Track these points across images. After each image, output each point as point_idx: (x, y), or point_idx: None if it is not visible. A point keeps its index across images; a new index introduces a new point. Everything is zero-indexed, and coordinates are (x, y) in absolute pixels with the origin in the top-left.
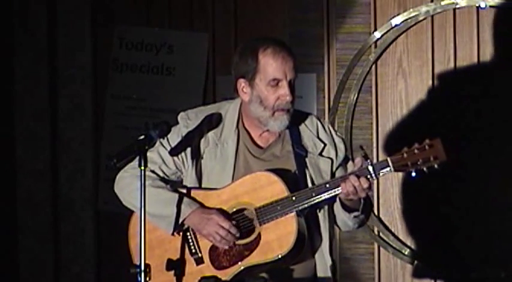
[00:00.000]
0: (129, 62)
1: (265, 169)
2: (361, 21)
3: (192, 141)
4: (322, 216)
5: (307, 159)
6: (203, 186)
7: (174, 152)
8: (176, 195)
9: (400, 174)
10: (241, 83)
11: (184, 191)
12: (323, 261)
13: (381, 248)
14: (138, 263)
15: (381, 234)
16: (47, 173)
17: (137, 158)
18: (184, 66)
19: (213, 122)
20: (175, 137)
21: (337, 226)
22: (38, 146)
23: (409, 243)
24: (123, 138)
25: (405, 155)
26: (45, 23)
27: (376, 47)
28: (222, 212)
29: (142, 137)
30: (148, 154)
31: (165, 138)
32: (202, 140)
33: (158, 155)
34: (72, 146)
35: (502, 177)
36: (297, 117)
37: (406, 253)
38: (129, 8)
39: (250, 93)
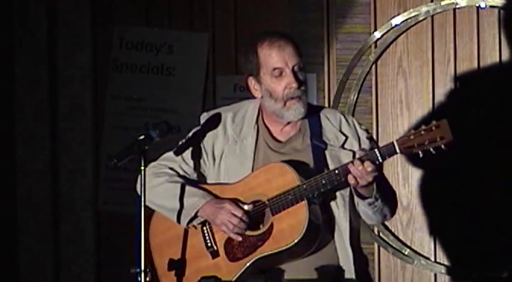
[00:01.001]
0: (129, 62)
1: (280, 160)
2: (361, 21)
3: (211, 140)
4: (342, 206)
5: (326, 152)
6: (223, 182)
7: (179, 151)
8: (192, 189)
9: (401, 174)
10: (251, 81)
11: (201, 186)
12: (345, 251)
13: (381, 248)
14: (158, 262)
15: (380, 234)
16: (47, 173)
17: (163, 155)
18: (184, 66)
19: (234, 119)
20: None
21: (363, 220)
22: (38, 146)
23: (409, 243)
24: (123, 138)
25: (412, 136)
26: (45, 23)
27: (376, 47)
28: (235, 201)
29: (142, 137)
30: (169, 153)
31: (187, 137)
32: (222, 138)
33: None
34: (72, 146)
35: (502, 177)
36: (320, 112)
37: (406, 253)
38: (129, 8)
39: (260, 89)
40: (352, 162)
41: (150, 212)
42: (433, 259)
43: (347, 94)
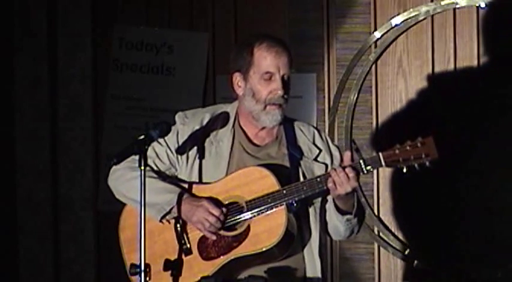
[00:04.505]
0: (129, 62)
1: (257, 164)
2: (361, 21)
3: (191, 140)
4: (313, 217)
5: (301, 162)
6: (196, 181)
7: (181, 150)
8: (168, 185)
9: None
10: (237, 77)
11: (176, 183)
12: (312, 261)
13: (381, 248)
14: (126, 257)
15: (380, 234)
16: (47, 173)
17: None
18: (184, 66)
19: (219, 121)
20: (170, 134)
21: (329, 235)
22: (38, 146)
23: (408, 243)
24: (123, 138)
25: (397, 151)
26: (45, 23)
27: (376, 47)
28: (212, 200)
29: (142, 137)
30: None
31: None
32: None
33: (152, 149)
34: (72, 146)
35: (501, 177)
36: (294, 124)
37: (406, 253)
38: (129, 8)
39: (244, 87)
40: (334, 169)
41: (121, 207)
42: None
43: (347, 94)
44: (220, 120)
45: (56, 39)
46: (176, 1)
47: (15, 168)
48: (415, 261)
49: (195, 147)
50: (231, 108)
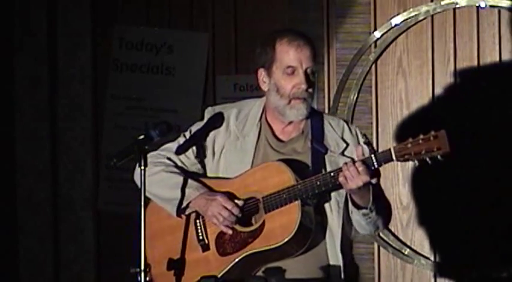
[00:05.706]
0: (129, 62)
1: (277, 159)
2: (361, 21)
3: (213, 135)
4: (336, 211)
5: (326, 157)
6: (221, 176)
7: (181, 149)
8: (186, 180)
9: (401, 173)
10: (261, 73)
11: (197, 178)
12: (335, 256)
13: (381, 248)
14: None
15: (380, 234)
16: (47, 173)
17: (163, 146)
18: (184, 66)
19: (238, 116)
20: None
21: (356, 230)
22: (38, 146)
23: (409, 243)
24: (123, 138)
25: (409, 145)
26: (45, 23)
27: (376, 46)
28: (227, 194)
29: (142, 137)
30: (169, 144)
31: (188, 130)
32: (223, 133)
33: (178, 144)
34: (72, 146)
35: (503, 177)
36: (323, 117)
37: (406, 253)
38: (129, 8)
39: (269, 82)
40: (345, 163)
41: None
42: (433, 259)
43: (347, 94)
44: (216, 121)
45: (56, 39)
46: (176, 1)
47: (15, 168)
48: (415, 261)
49: (222, 143)
50: (258, 103)
